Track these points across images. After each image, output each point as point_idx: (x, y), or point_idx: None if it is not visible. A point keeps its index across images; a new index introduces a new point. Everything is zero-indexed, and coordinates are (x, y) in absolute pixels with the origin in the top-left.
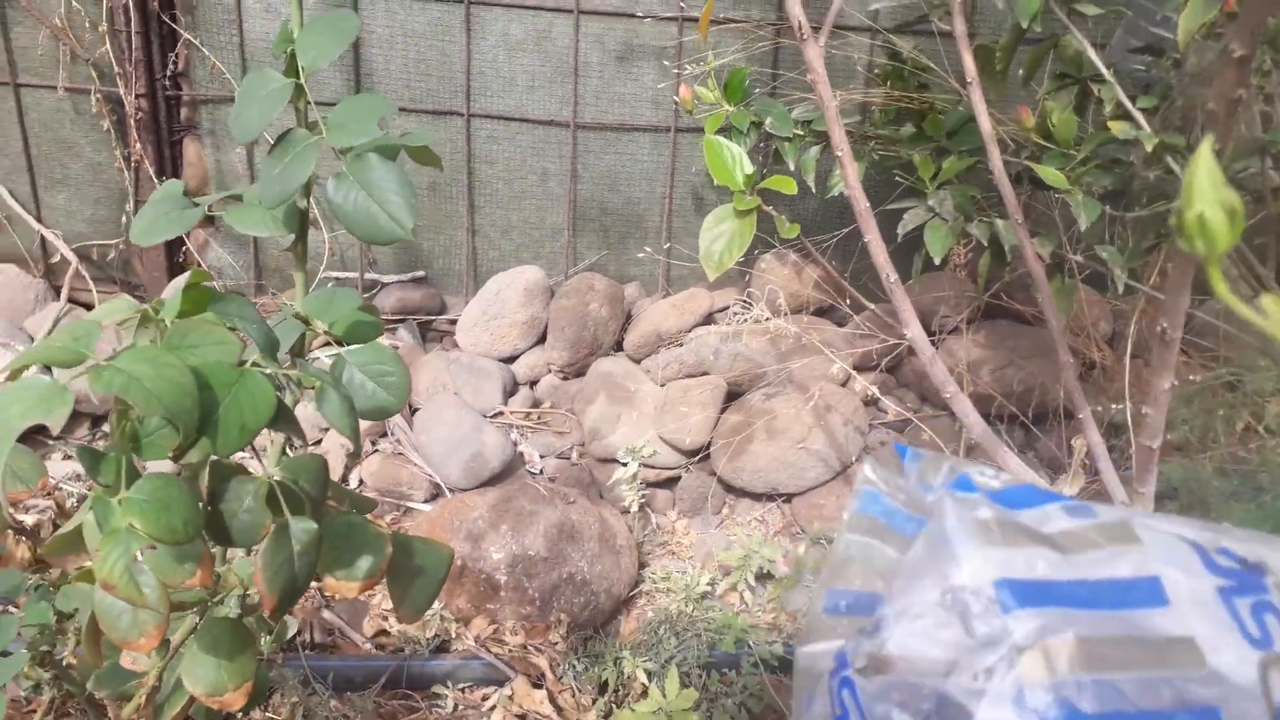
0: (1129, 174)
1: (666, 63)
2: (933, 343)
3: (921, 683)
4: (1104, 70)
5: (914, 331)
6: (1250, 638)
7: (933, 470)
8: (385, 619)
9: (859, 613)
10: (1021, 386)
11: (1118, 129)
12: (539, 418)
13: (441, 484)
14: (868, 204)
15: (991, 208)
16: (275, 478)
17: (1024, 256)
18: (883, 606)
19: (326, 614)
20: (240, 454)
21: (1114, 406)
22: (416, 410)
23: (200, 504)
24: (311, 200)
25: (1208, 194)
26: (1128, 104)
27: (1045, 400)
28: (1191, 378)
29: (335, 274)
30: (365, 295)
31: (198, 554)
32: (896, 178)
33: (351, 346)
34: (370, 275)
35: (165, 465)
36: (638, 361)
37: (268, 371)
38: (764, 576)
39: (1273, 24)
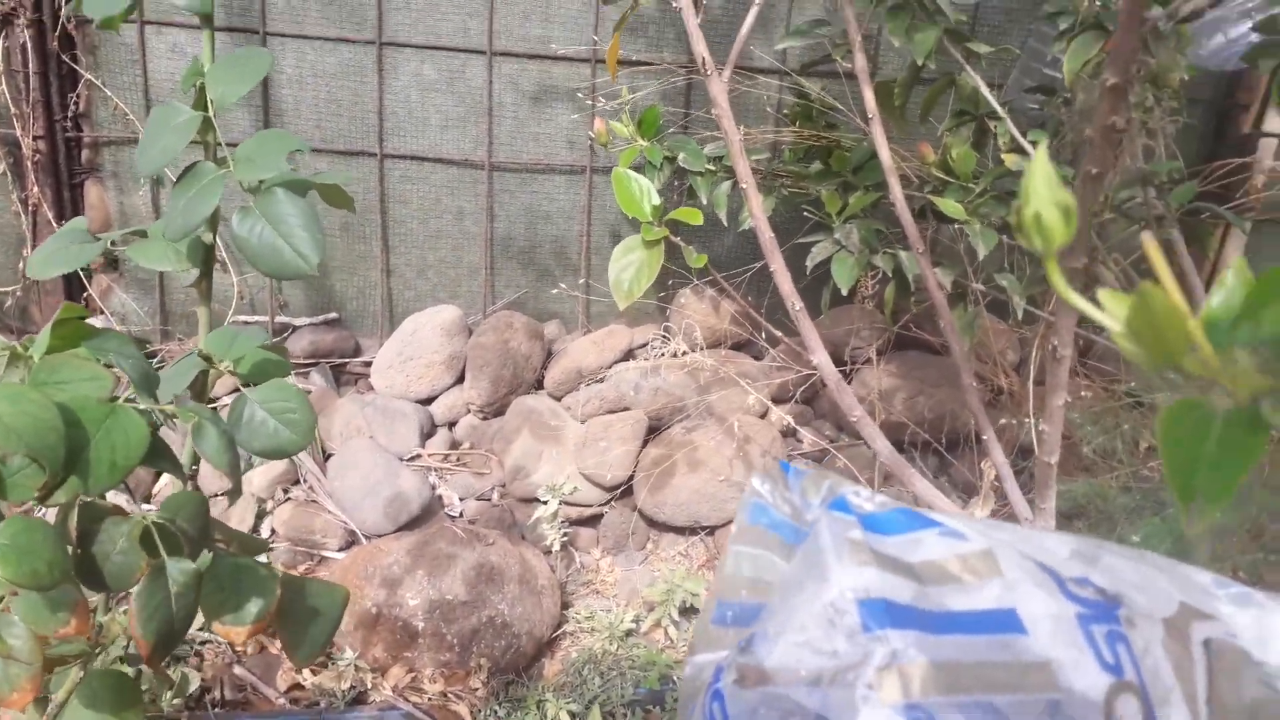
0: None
1: (580, 97)
2: (846, 374)
3: (791, 697)
4: (998, 108)
5: (820, 358)
6: (1104, 664)
7: (814, 487)
8: (299, 672)
9: (745, 624)
10: (932, 414)
11: (1011, 161)
12: (458, 459)
13: (357, 530)
14: (772, 234)
15: (897, 241)
16: (151, 517)
17: (927, 286)
18: (762, 619)
19: (238, 670)
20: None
21: (1020, 428)
22: (330, 456)
23: (69, 546)
24: (219, 241)
25: (1043, 194)
26: (1020, 139)
27: (956, 426)
28: (1085, 394)
29: (244, 317)
30: (276, 339)
31: (71, 601)
32: (805, 213)
33: (254, 385)
34: (281, 318)
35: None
36: (559, 399)
37: (141, 408)
38: (688, 611)
39: (1156, 63)
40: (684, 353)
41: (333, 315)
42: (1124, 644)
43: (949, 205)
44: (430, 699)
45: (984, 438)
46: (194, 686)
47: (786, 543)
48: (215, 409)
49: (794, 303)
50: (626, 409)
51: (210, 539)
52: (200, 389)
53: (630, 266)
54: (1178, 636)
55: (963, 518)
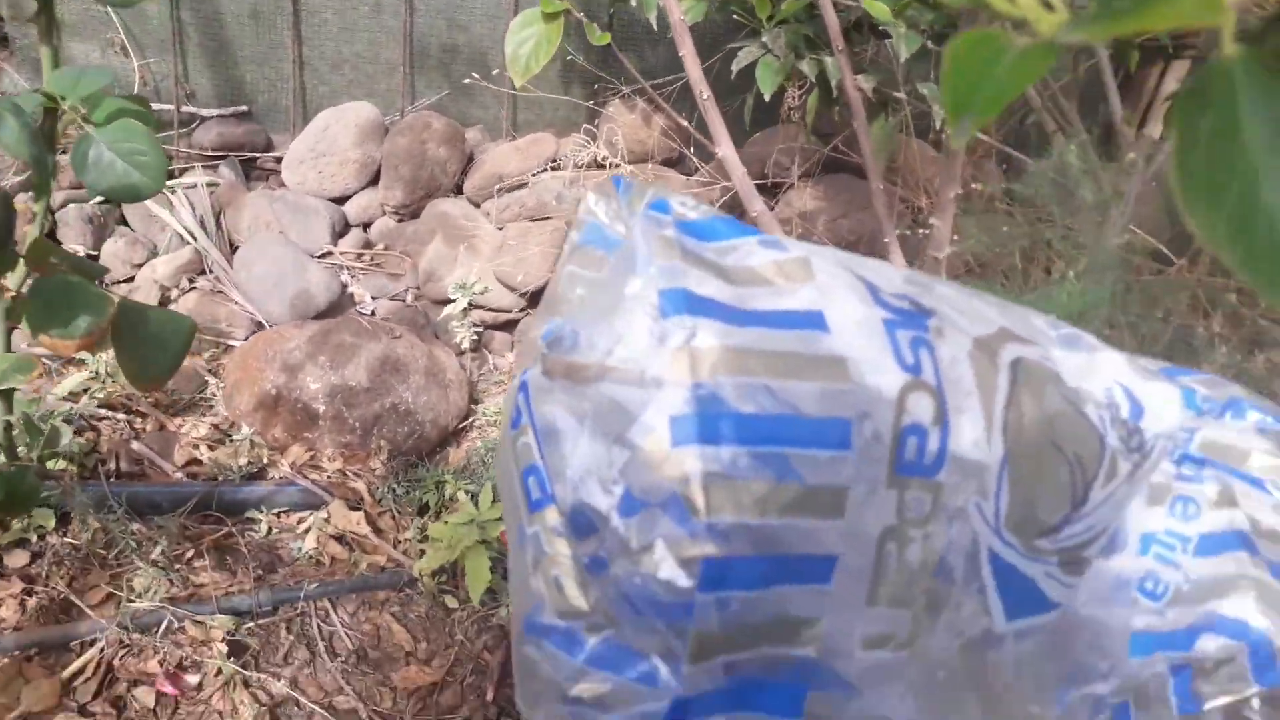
0: (954, 13)
1: None
2: (770, 195)
3: (592, 383)
4: None
5: (726, 150)
6: (903, 364)
7: (639, 197)
8: (197, 448)
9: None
10: (853, 235)
11: None
12: (372, 259)
13: (264, 322)
14: (682, 16)
15: (825, 47)
16: None
17: (844, 89)
18: (570, 316)
19: (135, 445)
20: None
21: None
22: (237, 248)
23: None
24: (120, 22)
25: None
26: None
27: (876, 249)
28: (976, 187)
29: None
30: (183, 130)
31: None
32: (736, 17)
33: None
34: (188, 108)
35: None
36: (477, 205)
37: None
38: None
39: None
40: (609, 162)
41: (242, 108)
42: (927, 349)
43: (876, 6)
44: (330, 476)
45: (885, 240)
46: (66, 440)
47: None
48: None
49: (702, 91)
50: (548, 218)
51: (10, 236)
52: (50, 133)
53: (529, 41)
54: (987, 353)
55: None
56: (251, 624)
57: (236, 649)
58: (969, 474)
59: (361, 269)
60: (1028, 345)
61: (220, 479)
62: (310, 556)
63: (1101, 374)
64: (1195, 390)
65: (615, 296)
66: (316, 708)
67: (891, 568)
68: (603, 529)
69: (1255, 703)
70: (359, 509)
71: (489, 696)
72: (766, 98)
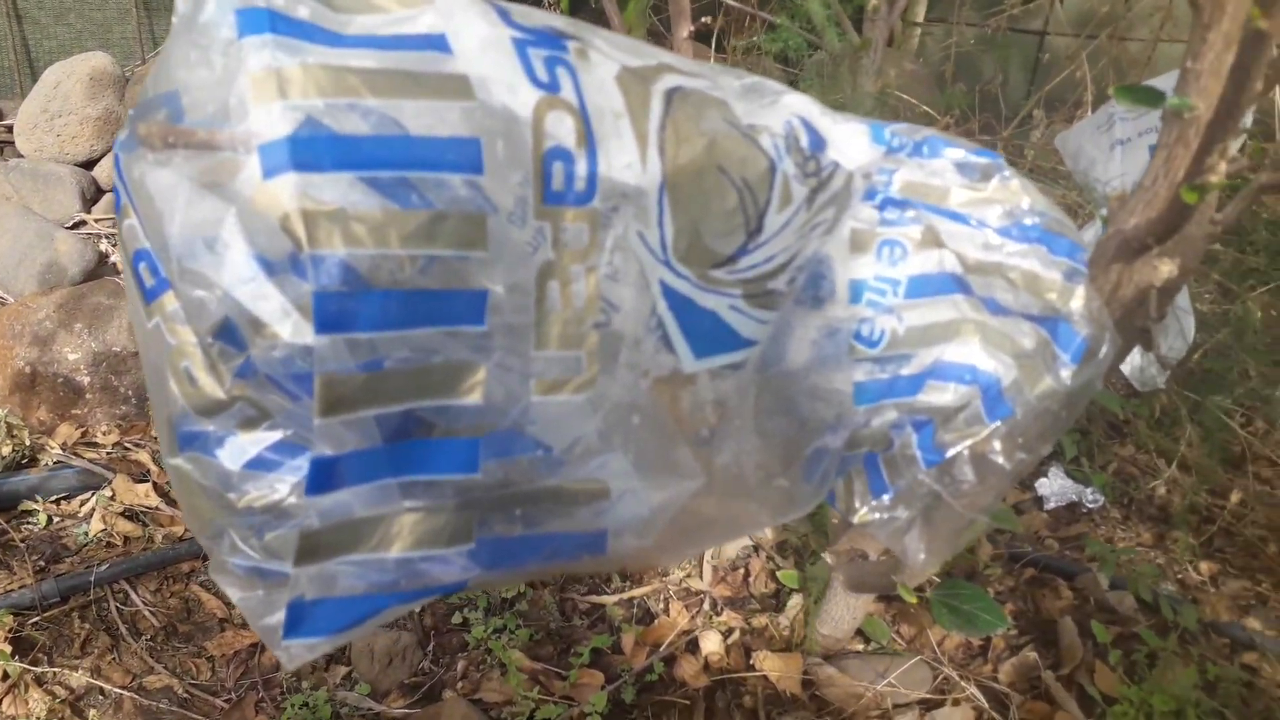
0: None
1: None
2: None
3: (183, 134)
4: None
5: None
6: (537, 81)
7: None
8: None
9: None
10: None
11: None
12: None
13: (12, 299)
14: None
15: None
16: None
17: None
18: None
19: None
20: None
21: None
22: None
23: None
24: None
25: None
26: None
27: None
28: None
29: None
30: None
31: None
32: None
33: None
34: None
35: None
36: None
37: None
38: None
39: None
40: None
41: None
42: (566, 69)
43: None
44: (108, 452)
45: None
46: None
47: None
48: None
49: None
50: None
51: None
52: None
53: None
54: (639, 79)
55: None
56: (38, 618)
57: (23, 646)
58: (626, 199)
59: None
60: (691, 78)
61: None
62: (99, 539)
63: (782, 111)
64: (884, 126)
65: (191, 33)
66: (125, 692)
67: (555, 306)
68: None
69: (997, 444)
70: (146, 480)
71: None
72: None
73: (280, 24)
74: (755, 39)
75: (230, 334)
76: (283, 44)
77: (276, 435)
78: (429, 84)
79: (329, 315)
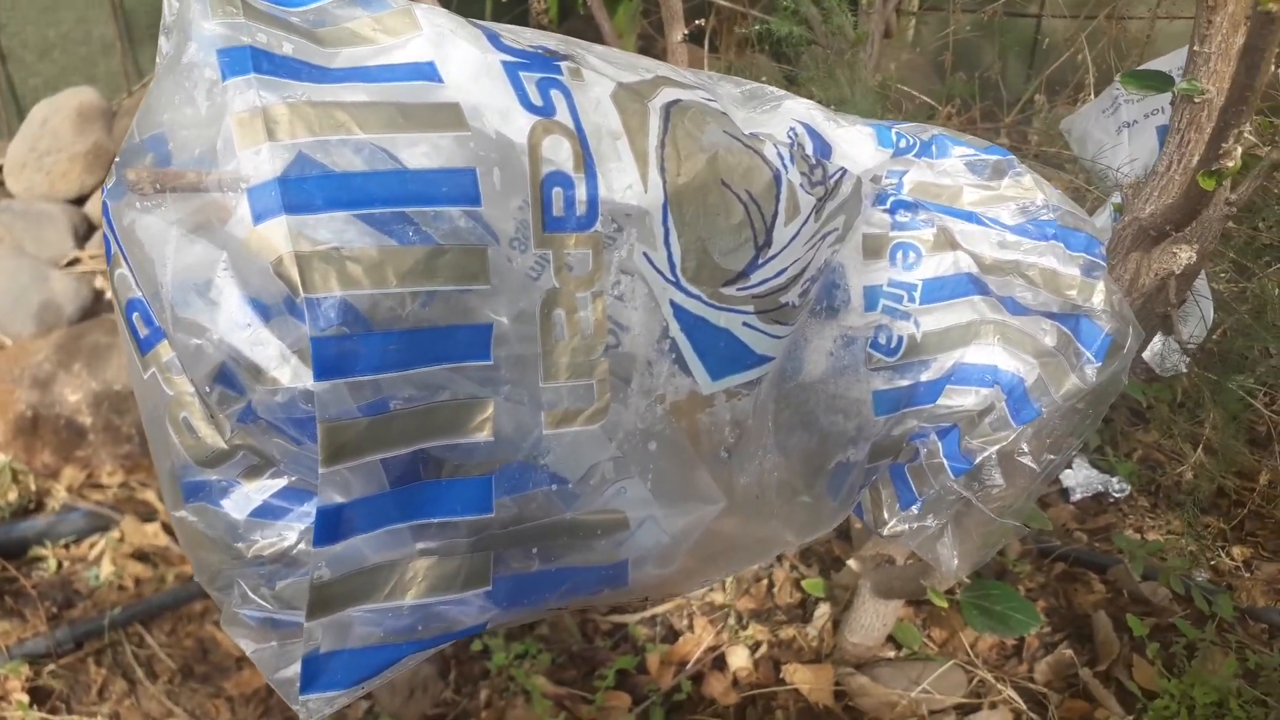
0: None
1: None
2: None
3: (180, 193)
4: None
5: None
6: (530, 106)
7: None
8: None
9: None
10: None
11: None
12: None
13: (10, 342)
14: None
15: None
16: None
17: None
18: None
19: None
20: None
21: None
22: None
23: None
24: None
25: None
26: None
27: None
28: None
29: None
30: None
31: None
32: None
33: None
34: None
35: None
36: None
37: None
38: None
39: None
40: None
41: None
42: (560, 90)
43: None
44: (114, 493)
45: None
46: None
47: None
48: None
49: None
50: None
51: None
52: None
53: None
54: (635, 96)
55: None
56: (54, 666)
57: (40, 696)
58: (629, 221)
59: None
60: (688, 90)
61: None
62: (110, 582)
63: (785, 117)
64: (890, 127)
65: (174, 73)
66: None
67: (562, 335)
68: (226, 357)
69: (1025, 446)
70: (154, 520)
71: None
72: None
73: (264, 62)
74: (749, 29)
75: (229, 379)
76: (267, 83)
77: (281, 482)
78: (420, 115)
79: (328, 360)
